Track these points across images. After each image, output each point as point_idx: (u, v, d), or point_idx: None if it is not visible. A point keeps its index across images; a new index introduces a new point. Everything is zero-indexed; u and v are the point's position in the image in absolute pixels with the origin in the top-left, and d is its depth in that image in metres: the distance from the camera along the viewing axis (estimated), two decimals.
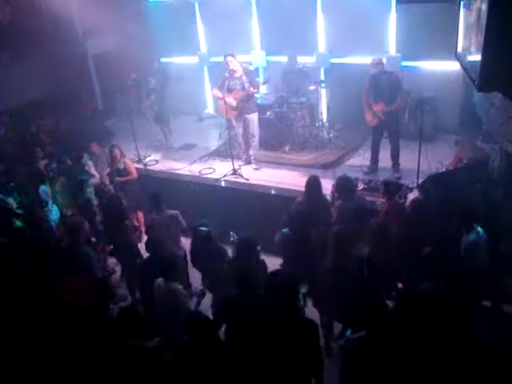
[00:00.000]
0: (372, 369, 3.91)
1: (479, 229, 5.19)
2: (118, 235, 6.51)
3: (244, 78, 8.27)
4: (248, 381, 4.14)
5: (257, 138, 8.73)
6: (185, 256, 6.54)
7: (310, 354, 3.99)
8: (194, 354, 4.10)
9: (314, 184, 6.33)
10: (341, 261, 5.01)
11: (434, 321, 4.02)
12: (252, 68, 9.91)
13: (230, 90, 8.32)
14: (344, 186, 6.26)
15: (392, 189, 6.14)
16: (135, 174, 8.12)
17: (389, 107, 7.56)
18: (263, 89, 9.71)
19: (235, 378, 4.13)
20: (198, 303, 5.73)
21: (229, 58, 8.25)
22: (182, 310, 4.96)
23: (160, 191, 6.76)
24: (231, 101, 8.30)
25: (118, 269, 7.19)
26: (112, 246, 7.03)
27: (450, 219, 5.45)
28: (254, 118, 8.58)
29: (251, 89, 8.22)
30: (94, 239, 6.72)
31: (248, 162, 8.88)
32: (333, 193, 6.50)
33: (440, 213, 5.72)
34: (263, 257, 5.59)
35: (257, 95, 8.56)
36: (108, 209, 6.92)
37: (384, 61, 7.92)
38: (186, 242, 6.69)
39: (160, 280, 5.16)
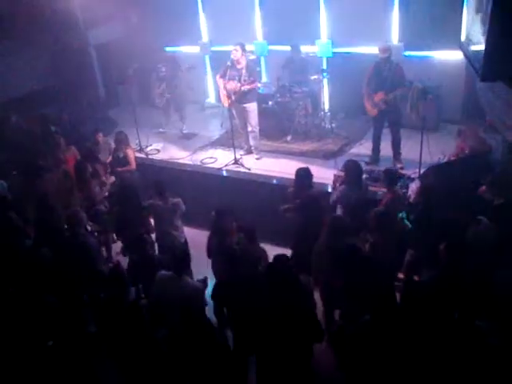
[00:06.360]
0: (372, 356, 3.95)
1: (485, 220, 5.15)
2: (134, 227, 6.36)
3: (244, 71, 8.21)
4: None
5: (257, 128, 8.69)
6: (185, 242, 6.58)
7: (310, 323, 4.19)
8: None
9: (303, 176, 6.22)
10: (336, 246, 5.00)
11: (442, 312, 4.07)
12: (254, 57, 9.89)
13: (228, 80, 8.30)
14: (352, 168, 6.18)
15: (393, 178, 6.11)
16: (133, 165, 8.03)
17: (388, 96, 7.51)
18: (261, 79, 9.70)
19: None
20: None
21: (234, 48, 8.20)
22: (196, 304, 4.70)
23: (162, 180, 6.72)
24: (223, 90, 8.37)
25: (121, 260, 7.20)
26: (122, 242, 6.87)
27: (452, 210, 5.43)
28: (252, 108, 8.51)
29: (245, 86, 8.15)
30: (89, 227, 6.54)
31: (249, 152, 8.87)
32: (334, 182, 6.49)
33: (441, 203, 5.71)
34: (265, 246, 5.62)
35: (248, 87, 8.24)
36: (123, 200, 6.65)
37: None
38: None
39: (164, 273, 4.97)
